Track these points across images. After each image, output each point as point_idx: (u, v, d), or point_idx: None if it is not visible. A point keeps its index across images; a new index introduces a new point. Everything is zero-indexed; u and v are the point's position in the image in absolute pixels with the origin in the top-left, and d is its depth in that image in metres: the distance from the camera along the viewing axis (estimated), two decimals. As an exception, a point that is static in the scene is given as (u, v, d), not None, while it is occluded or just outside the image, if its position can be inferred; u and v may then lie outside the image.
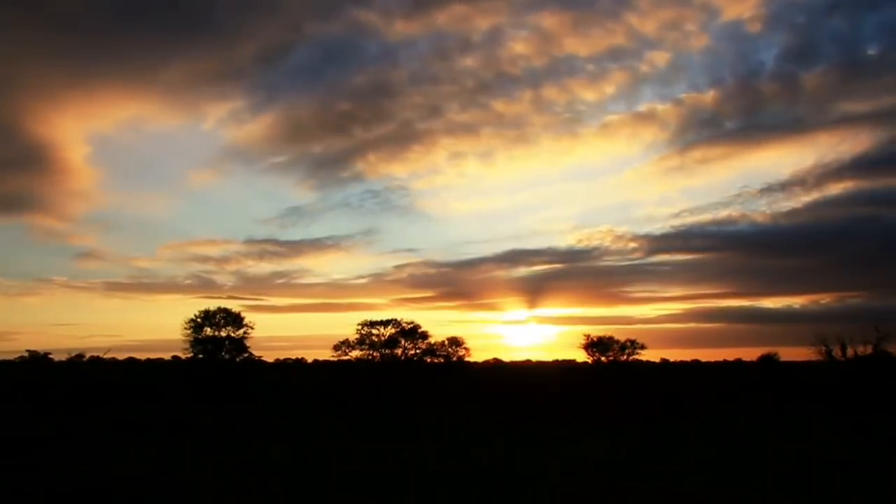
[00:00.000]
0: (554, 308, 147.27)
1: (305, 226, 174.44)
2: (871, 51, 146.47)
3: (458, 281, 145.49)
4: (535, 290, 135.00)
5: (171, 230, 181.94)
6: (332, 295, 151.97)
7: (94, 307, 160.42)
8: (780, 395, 45.11)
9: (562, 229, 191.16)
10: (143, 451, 21.10)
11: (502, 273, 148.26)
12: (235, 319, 48.36)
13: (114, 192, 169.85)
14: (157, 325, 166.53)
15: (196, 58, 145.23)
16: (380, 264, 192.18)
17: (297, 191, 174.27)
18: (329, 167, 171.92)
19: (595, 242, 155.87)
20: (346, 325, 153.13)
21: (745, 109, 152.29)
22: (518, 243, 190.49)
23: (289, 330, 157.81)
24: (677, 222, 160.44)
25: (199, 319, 47.66)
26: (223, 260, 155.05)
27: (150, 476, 17.06)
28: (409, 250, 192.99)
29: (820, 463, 19.02)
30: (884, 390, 38.34)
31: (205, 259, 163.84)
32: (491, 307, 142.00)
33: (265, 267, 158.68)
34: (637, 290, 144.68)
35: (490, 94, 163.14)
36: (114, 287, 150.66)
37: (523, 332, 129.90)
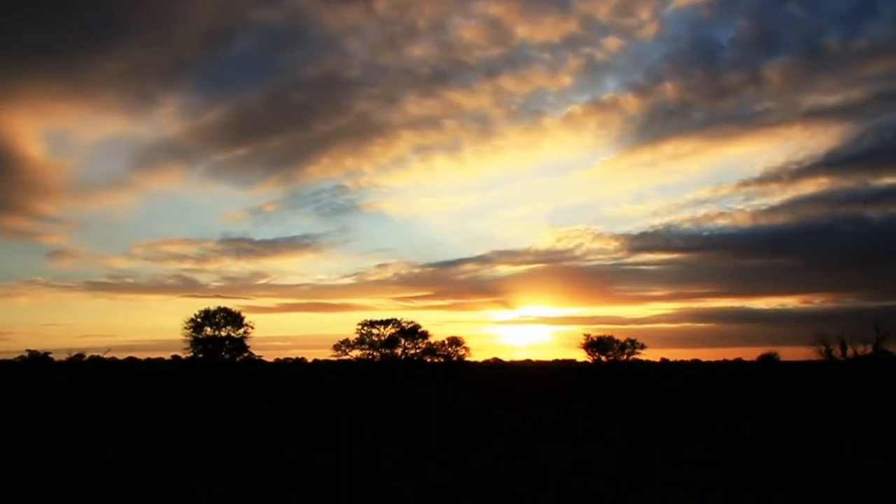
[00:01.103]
0: (543, 308, 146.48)
1: (277, 223, 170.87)
2: (831, 40, 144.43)
3: (444, 281, 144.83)
4: (521, 289, 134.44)
5: (137, 229, 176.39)
6: (319, 295, 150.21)
7: (82, 307, 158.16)
8: (779, 395, 45.12)
9: (538, 227, 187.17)
10: (144, 452, 21.11)
11: (487, 273, 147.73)
12: (235, 319, 48.35)
13: (72, 190, 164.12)
14: (147, 325, 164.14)
15: (136, 48, 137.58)
16: (360, 264, 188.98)
17: (261, 187, 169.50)
18: (291, 161, 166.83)
19: (575, 241, 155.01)
20: (332, 325, 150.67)
21: (709, 100, 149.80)
22: (499, 244, 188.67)
23: (279, 330, 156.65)
24: (656, 221, 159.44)
25: (199, 319, 47.66)
26: (201, 259, 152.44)
27: (149, 476, 17.06)
28: (387, 250, 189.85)
29: (819, 463, 19.03)
30: (884, 390, 38.34)
31: (181, 258, 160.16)
32: (480, 307, 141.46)
33: (245, 266, 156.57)
34: (625, 290, 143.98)
35: (447, 84, 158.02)
36: (97, 287, 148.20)
37: (515, 332, 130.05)
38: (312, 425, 29.29)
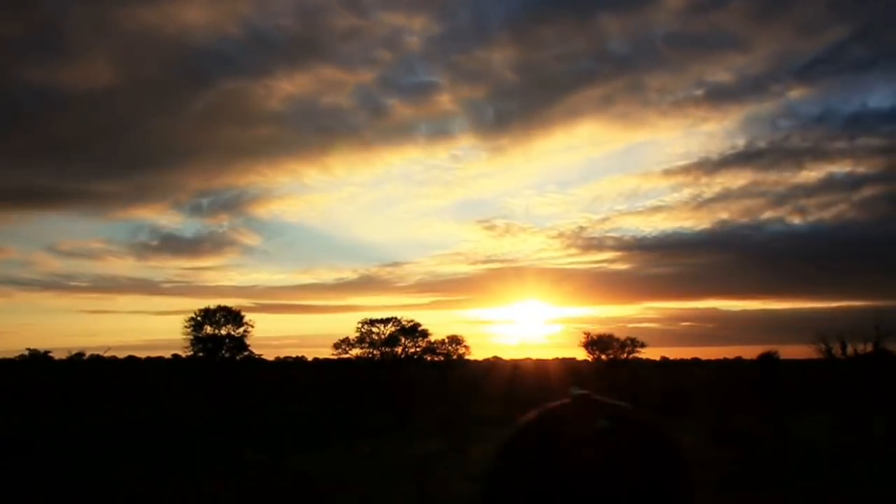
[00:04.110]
0: (523, 308, 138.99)
1: (193, 221, 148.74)
2: None
3: (404, 281, 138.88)
4: (493, 289, 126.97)
5: (46, 226, 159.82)
6: (287, 296, 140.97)
7: (54, 308, 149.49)
8: (779, 394, 45.16)
9: (469, 223, 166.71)
10: (143, 451, 21.13)
11: (446, 272, 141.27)
12: (236, 318, 48.41)
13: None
14: (127, 326, 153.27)
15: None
16: (301, 263, 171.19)
17: (156, 178, 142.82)
18: (178, 149, 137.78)
19: (518, 237, 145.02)
20: (315, 325, 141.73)
21: (596, 73, 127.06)
22: (437, 241, 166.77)
23: (264, 332, 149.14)
24: (593, 216, 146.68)
25: (199, 318, 47.72)
26: (141, 258, 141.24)
27: (150, 475, 17.08)
28: (321, 249, 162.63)
29: (818, 461, 19.05)
30: (884, 388, 38.41)
31: (119, 255, 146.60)
32: (455, 306, 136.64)
33: (186, 265, 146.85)
34: (598, 290, 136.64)
35: (320, 57, 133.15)
36: (56, 287, 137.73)
37: (500, 331, 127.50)
38: (312, 424, 29.32)
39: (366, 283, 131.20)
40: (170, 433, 25.49)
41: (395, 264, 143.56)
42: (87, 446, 22.16)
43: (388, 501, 14.44)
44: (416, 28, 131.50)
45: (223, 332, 47.55)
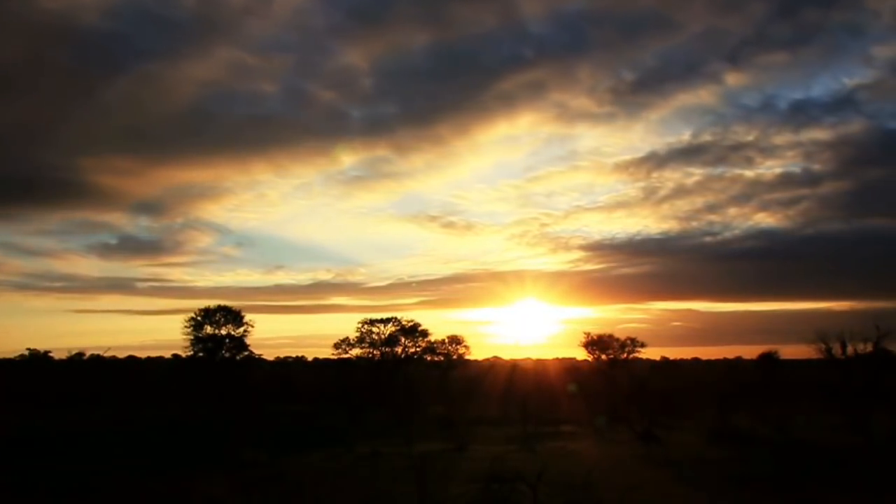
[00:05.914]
0: (513, 308, 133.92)
1: (153, 218, 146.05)
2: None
3: (383, 280, 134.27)
4: (479, 290, 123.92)
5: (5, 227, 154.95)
6: (266, 297, 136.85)
7: (36, 310, 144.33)
8: (779, 393, 45.12)
9: (425, 222, 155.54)
10: (143, 450, 21.12)
11: (422, 271, 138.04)
12: (236, 318, 48.20)
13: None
14: (116, 327, 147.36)
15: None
16: (271, 264, 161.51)
17: (89, 175, 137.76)
18: (112, 140, 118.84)
19: (482, 235, 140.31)
20: (303, 326, 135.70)
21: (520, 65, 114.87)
22: (399, 243, 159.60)
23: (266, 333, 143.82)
24: (554, 213, 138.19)
25: (199, 318, 47.54)
26: (104, 257, 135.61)
27: (150, 474, 17.08)
28: (285, 250, 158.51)
29: (818, 461, 19.05)
30: (883, 387, 38.36)
31: (82, 254, 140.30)
32: (444, 306, 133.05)
33: (154, 265, 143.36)
34: (583, 292, 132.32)
35: (231, 40, 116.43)
36: (31, 287, 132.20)
37: (492, 332, 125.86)
38: (312, 424, 29.32)
39: (342, 284, 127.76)
40: (170, 433, 25.50)
41: (365, 265, 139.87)
42: (88, 446, 22.17)
43: (388, 501, 14.45)
44: (316, 6, 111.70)
45: (223, 331, 47.36)
